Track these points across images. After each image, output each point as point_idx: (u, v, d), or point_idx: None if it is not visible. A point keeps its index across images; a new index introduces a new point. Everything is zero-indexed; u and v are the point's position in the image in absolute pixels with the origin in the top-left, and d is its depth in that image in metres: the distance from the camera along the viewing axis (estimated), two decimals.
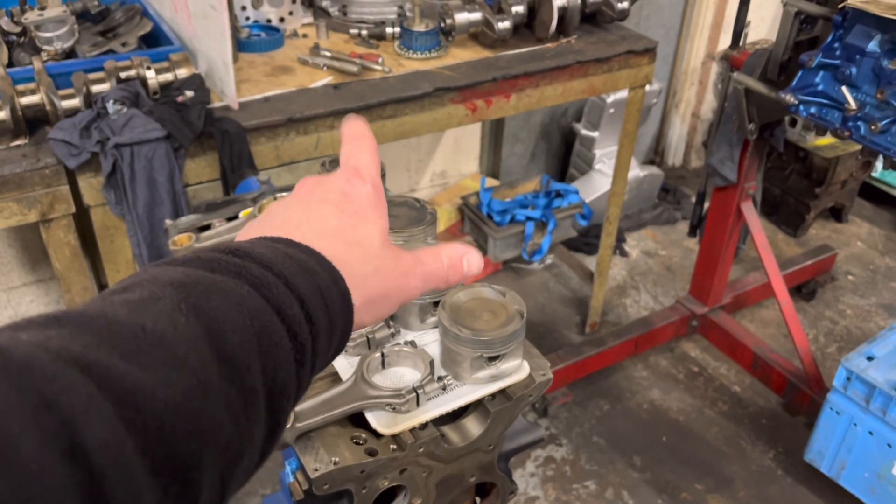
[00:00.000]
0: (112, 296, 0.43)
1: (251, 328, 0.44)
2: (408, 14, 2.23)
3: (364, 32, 2.19)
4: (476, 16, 2.16)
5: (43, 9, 1.80)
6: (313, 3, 2.34)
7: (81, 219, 1.77)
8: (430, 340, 1.00)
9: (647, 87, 2.51)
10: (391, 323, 1.03)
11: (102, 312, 0.40)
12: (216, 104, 1.77)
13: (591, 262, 3.30)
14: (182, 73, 1.72)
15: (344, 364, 0.96)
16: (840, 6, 1.85)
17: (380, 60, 2.03)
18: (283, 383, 0.46)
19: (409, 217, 1.17)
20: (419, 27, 2.11)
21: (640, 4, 3.56)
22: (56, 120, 1.59)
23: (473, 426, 1.00)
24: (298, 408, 0.88)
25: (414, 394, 0.90)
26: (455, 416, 0.99)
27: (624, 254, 3.52)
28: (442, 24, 2.15)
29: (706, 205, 2.69)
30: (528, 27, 2.26)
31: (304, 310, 0.48)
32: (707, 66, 3.89)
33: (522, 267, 3.39)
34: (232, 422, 0.42)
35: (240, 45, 2.05)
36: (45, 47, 1.77)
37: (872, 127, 1.85)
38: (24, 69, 1.68)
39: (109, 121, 1.57)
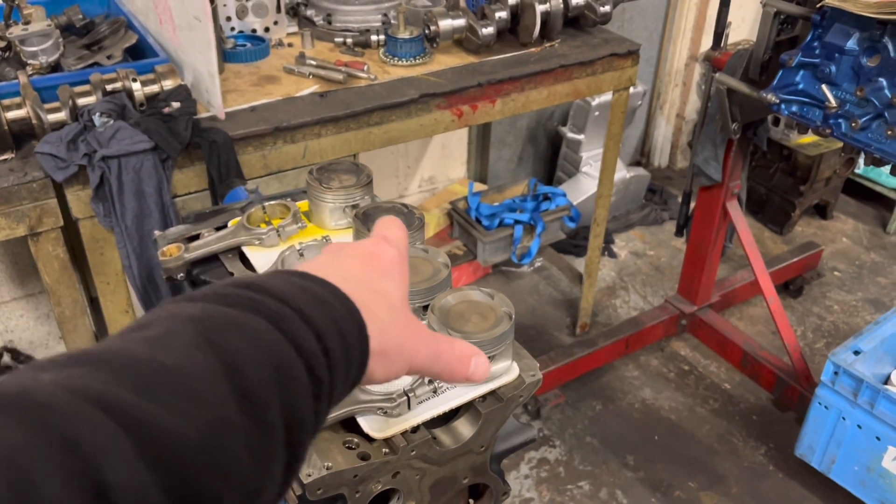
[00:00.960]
0: (131, 333, 0.44)
1: (269, 363, 0.45)
2: (392, 21, 2.25)
3: (349, 41, 2.20)
4: (460, 22, 2.18)
5: (27, 23, 1.80)
6: (298, 13, 2.35)
7: (70, 232, 1.77)
8: None
9: (631, 90, 2.53)
10: None
11: (122, 350, 0.41)
12: (203, 115, 1.78)
13: (580, 263, 3.32)
14: (168, 84, 1.73)
15: None
16: (818, 5, 1.87)
17: (365, 68, 2.05)
18: (302, 418, 0.46)
19: None
20: (404, 34, 2.12)
21: (623, 7, 3.59)
22: (42, 134, 1.60)
23: (465, 428, 1.01)
24: None
25: (405, 397, 0.91)
26: (446, 418, 1.00)
27: (612, 255, 3.54)
28: (426, 31, 2.17)
29: (692, 204, 2.71)
30: (511, 32, 2.28)
31: (321, 343, 0.49)
32: (690, 68, 3.93)
33: (512, 270, 3.40)
34: (251, 458, 0.42)
35: (225, 56, 2.06)
36: (30, 61, 1.77)
37: (853, 124, 1.87)
38: (9, 83, 1.68)
39: (96, 133, 1.57)
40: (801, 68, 1.94)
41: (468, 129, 3.41)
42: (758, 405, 2.78)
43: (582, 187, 3.48)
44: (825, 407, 2.23)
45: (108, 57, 1.85)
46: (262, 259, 1.20)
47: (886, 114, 1.81)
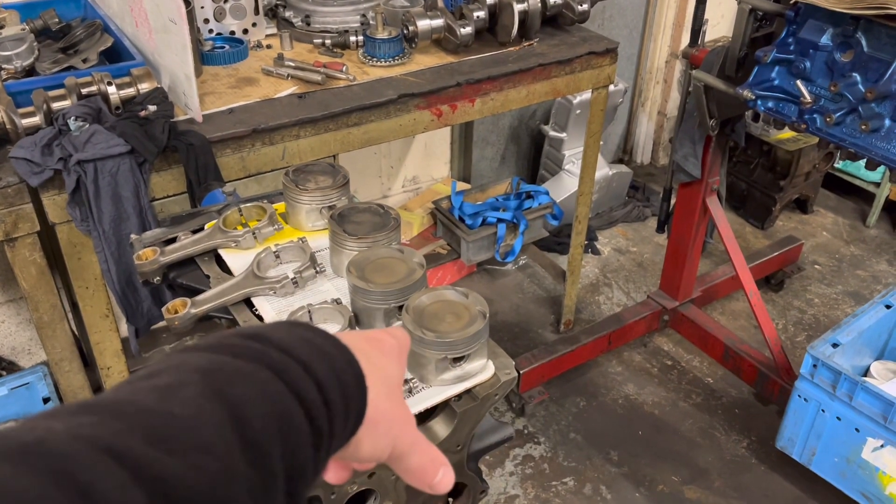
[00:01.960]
0: (140, 382, 0.45)
1: (272, 413, 0.46)
2: (371, 22, 2.25)
3: (328, 42, 2.20)
4: (438, 22, 2.18)
5: (1, 27, 1.79)
6: (276, 14, 2.34)
7: (48, 237, 1.76)
8: None
9: (613, 87, 2.54)
10: (357, 328, 1.04)
11: (133, 400, 0.42)
12: (180, 117, 1.77)
13: (563, 261, 3.33)
14: (144, 87, 1.72)
15: None
16: (792, 2, 1.89)
17: (344, 69, 2.05)
18: (302, 466, 0.48)
19: (372, 223, 1.18)
20: (382, 35, 2.13)
21: (603, 6, 3.61)
22: (17, 138, 1.59)
23: (441, 428, 1.01)
24: None
25: None
26: (422, 418, 1.01)
27: (596, 252, 3.56)
28: (405, 32, 2.17)
29: (673, 201, 2.73)
30: (490, 32, 2.28)
31: (322, 394, 0.50)
32: (671, 65, 3.95)
33: (496, 268, 3.41)
34: None
35: (203, 58, 2.06)
36: (4, 66, 1.76)
37: (827, 119, 1.89)
38: None
39: (71, 137, 1.56)
40: (776, 64, 1.96)
41: (451, 129, 3.41)
42: (739, 399, 2.81)
43: (565, 185, 3.49)
44: (805, 399, 2.25)
45: (84, 60, 1.84)
46: (238, 261, 1.20)
47: (860, 108, 1.83)
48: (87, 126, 1.58)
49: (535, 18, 2.26)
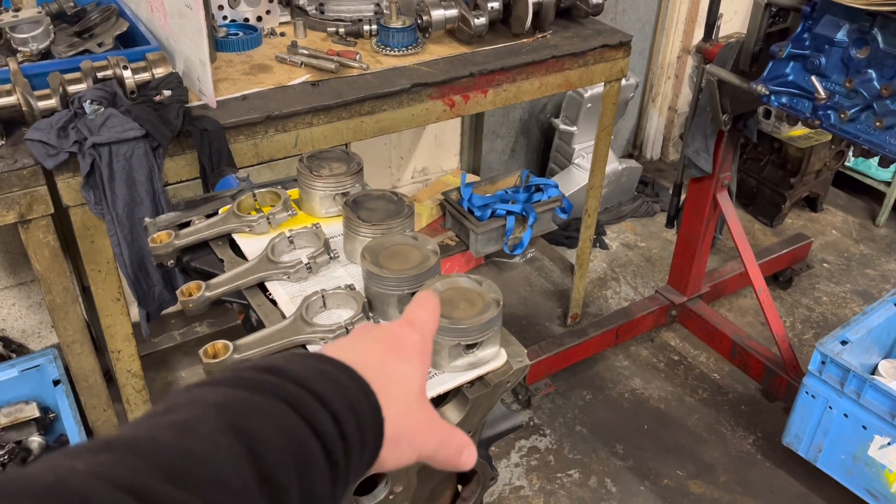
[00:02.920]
0: (158, 417, 0.46)
1: (289, 448, 0.47)
2: (385, 11, 2.25)
3: (341, 30, 2.20)
4: (452, 12, 2.18)
5: (18, 10, 1.80)
6: (291, 2, 2.34)
7: (61, 219, 1.77)
8: None
9: (624, 82, 2.54)
10: (371, 314, 1.04)
11: (150, 436, 0.43)
12: (194, 103, 1.78)
13: (571, 255, 3.33)
14: (159, 72, 1.73)
15: None
16: None
17: (357, 57, 2.05)
18: (319, 499, 0.48)
19: (386, 210, 1.19)
20: (396, 24, 2.12)
21: None
22: (33, 120, 1.59)
23: (452, 413, 1.01)
24: None
25: None
26: (434, 404, 1.01)
27: (604, 246, 3.56)
28: (419, 21, 2.17)
29: (683, 196, 2.72)
30: (503, 23, 2.28)
31: (338, 427, 0.50)
32: (683, 60, 3.94)
33: (504, 261, 3.41)
34: None
35: (217, 45, 2.06)
36: (20, 48, 1.77)
37: (842, 115, 1.89)
38: None
39: (87, 121, 1.57)
40: (790, 60, 1.95)
41: (461, 121, 3.41)
42: (746, 395, 2.80)
43: (574, 179, 3.48)
44: (812, 396, 2.25)
45: (100, 44, 1.85)
46: (252, 246, 1.21)
47: (875, 105, 1.82)
48: (103, 110, 1.58)
49: (549, 10, 2.25)
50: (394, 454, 0.57)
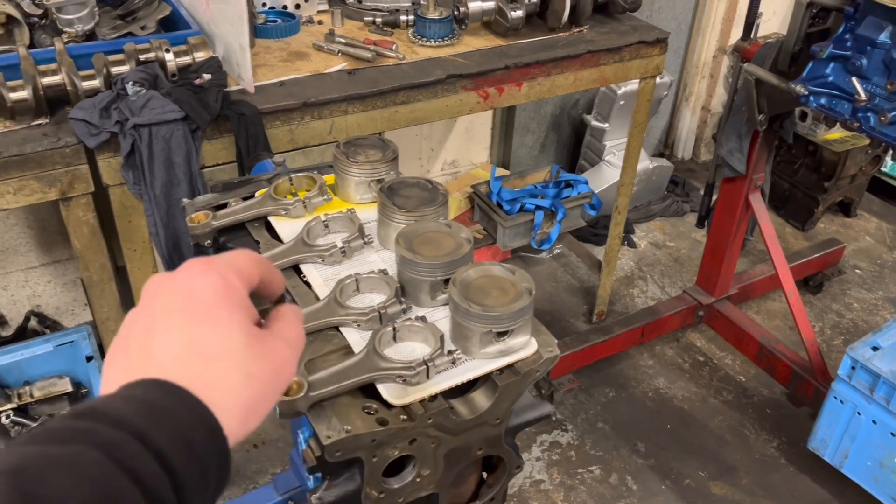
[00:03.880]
0: None
1: (96, 499, 0.43)
2: (422, 2, 2.25)
3: (378, 20, 2.21)
4: (489, 4, 2.18)
5: None
6: None
7: (99, 198, 1.80)
8: (440, 316, 1.03)
9: (658, 79, 2.52)
10: (402, 299, 1.06)
11: None
12: (233, 87, 1.80)
13: (599, 252, 3.32)
14: (200, 56, 1.75)
15: (356, 337, 0.99)
16: None
17: (394, 47, 2.06)
18: None
19: (420, 198, 1.20)
20: (433, 15, 2.13)
21: None
22: (76, 100, 1.63)
23: (481, 400, 1.02)
24: (312, 377, 0.91)
25: (424, 367, 0.93)
26: (464, 389, 1.02)
27: (632, 245, 3.54)
28: (455, 13, 2.17)
29: (714, 196, 2.70)
30: (540, 16, 2.28)
31: (163, 462, 0.47)
32: (718, 60, 3.90)
33: (531, 256, 3.41)
34: None
35: (256, 31, 2.08)
36: (66, 29, 1.80)
37: (882, 118, 1.86)
38: (45, 50, 1.71)
39: (128, 101, 1.60)
40: (831, 60, 1.93)
41: (492, 115, 3.41)
42: (772, 399, 2.78)
43: (604, 176, 3.47)
44: (840, 401, 2.23)
45: (142, 27, 1.88)
46: (288, 229, 1.23)
47: None
48: (144, 91, 1.61)
49: (587, 5, 2.25)
50: (250, 422, 0.54)
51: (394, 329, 0.99)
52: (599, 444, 2.57)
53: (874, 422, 2.16)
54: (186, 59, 1.74)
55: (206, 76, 1.70)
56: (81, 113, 1.58)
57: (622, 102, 3.35)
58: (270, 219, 1.26)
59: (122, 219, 1.77)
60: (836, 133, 3.46)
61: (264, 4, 2.20)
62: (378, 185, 1.22)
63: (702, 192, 2.73)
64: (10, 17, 1.84)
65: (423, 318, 1.00)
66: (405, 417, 0.92)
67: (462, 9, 2.16)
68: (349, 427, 0.89)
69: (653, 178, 3.66)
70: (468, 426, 0.99)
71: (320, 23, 2.23)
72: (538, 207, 3.07)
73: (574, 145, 3.79)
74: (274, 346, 0.58)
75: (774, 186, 3.68)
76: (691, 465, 2.52)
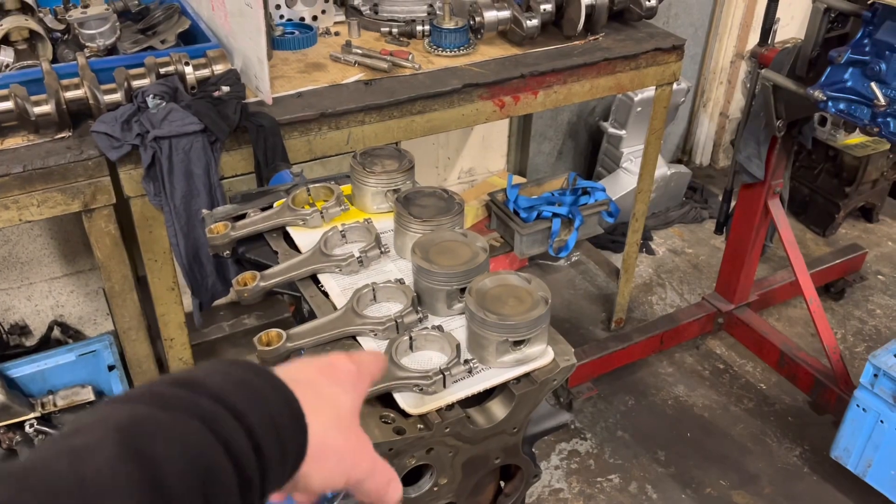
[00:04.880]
0: (61, 440, 0.45)
1: (194, 469, 0.45)
2: (438, 12, 2.27)
3: (395, 30, 2.23)
4: (505, 14, 2.19)
5: (86, 7, 1.87)
6: (345, 2, 2.38)
7: (121, 210, 1.83)
8: (456, 326, 1.04)
9: (675, 86, 2.52)
10: (419, 308, 1.06)
11: (45, 465, 0.42)
12: (251, 99, 1.83)
13: (617, 259, 3.30)
14: (219, 69, 1.78)
15: (373, 346, 1.00)
16: (870, 2, 1.85)
17: (410, 57, 2.07)
18: None
19: (437, 207, 1.20)
20: (449, 25, 2.15)
21: (669, 3, 3.56)
22: (98, 113, 1.66)
23: (498, 409, 1.03)
24: None
25: (441, 376, 0.93)
26: (481, 398, 1.02)
27: (651, 252, 3.52)
28: (471, 22, 2.19)
29: (733, 202, 2.69)
30: (556, 25, 2.28)
31: (252, 440, 0.50)
32: (736, 66, 3.88)
33: (548, 263, 3.41)
34: None
35: (274, 43, 2.11)
36: (88, 44, 1.84)
37: None
38: (68, 65, 1.74)
39: (149, 114, 1.62)
40: (850, 66, 1.92)
41: (509, 122, 3.42)
42: (794, 406, 2.75)
43: (622, 183, 3.46)
44: (863, 409, 2.20)
45: (162, 41, 1.91)
46: (306, 239, 1.24)
47: None
48: (165, 104, 1.63)
49: (602, 13, 2.25)
50: (321, 470, 0.56)
51: (410, 338, 0.99)
52: (619, 453, 2.56)
53: None
54: (205, 72, 1.76)
55: (225, 88, 1.72)
56: (103, 126, 1.61)
57: (639, 109, 3.34)
58: (289, 229, 1.27)
59: (143, 230, 1.80)
60: (857, 138, 3.42)
61: (282, 17, 2.23)
62: (394, 195, 1.23)
63: (720, 199, 2.72)
64: (33, 33, 1.88)
65: (439, 328, 1.01)
66: (422, 427, 0.93)
67: (478, 18, 2.17)
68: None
69: (671, 184, 3.64)
70: (485, 435, 0.99)
71: (337, 34, 2.25)
72: (555, 215, 3.06)
73: (591, 152, 3.79)
74: (367, 441, 0.62)
75: (794, 192, 3.65)
76: (712, 473, 2.50)
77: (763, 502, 2.41)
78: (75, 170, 1.63)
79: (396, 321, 1.01)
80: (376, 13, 2.32)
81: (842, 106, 1.96)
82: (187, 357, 2.05)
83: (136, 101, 1.65)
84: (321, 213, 1.27)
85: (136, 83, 1.70)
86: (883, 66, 1.84)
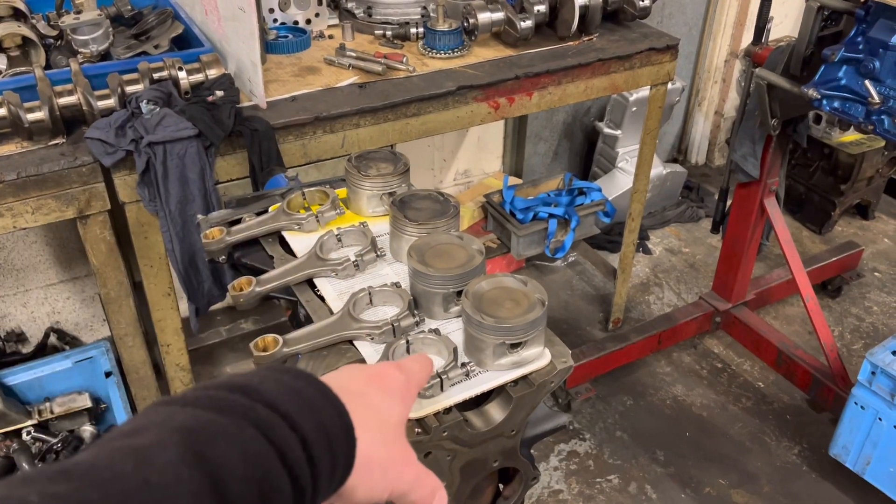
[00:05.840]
0: (123, 439, 0.45)
1: (254, 476, 0.46)
2: (431, 14, 2.27)
3: (388, 33, 2.23)
4: (498, 15, 2.19)
5: (79, 12, 1.86)
6: (339, 5, 2.38)
7: (116, 216, 1.82)
8: (453, 329, 1.03)
9: (670, 85, 2.52)
10: (416, 312, 1.06)
11: (110, 464, 0.42)
12: (245, 104, 1.82)
13: (614, 259, 3.31)
14: (212, 73, 1.77)
15: (370, 351, 1.00)
16: (863, 0, 1.85)
17: (404, 60, 2.07)
18: None
19: (432, 210, 1.20)
20: (442, 27, 2.14)
21: (663, 2, 3.57)
22: (92, 119, 1.65)
23: (496, 412, 1.02)
24: None
25: (438, 379, 0.93)
26: (478, 401, 1.02)
27: (647, 251, 3.53)
28: (465, 24, 2.19)
29: (729, 201, 2.69)
30: (549, 26, 2.28)
31: (307, 451, 0.50)
32: (730, 64, 3.88)
33: (545, 264, 3.41)
34: None
35: (268, 47, 2.10)
36: (81, 50, 1.83)
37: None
38: (61, 71, 1.74)
39: (143, 120, 1.62)
40: (843, 64, 1.92)
41: (504, 124, 3.42)
42: (792, 405, 2.75)
43: (617, 183, 3.46)
44: (861, 407, 2.20)
45: (156, 46, 1.90)
46: (301, 243, 1.23)
47: None
48: (158, 109, 1.63)
49: (596, 13, 2.25)
50: (366, 482, 0.56)
51: (407, 342, 0.99)
52: (618, 453, 2.55)
53: None
54: (199, 77, 1.76)
55: (219, 93, 1.72)
56: (97, 132, 1.60)
57: (634, 109, 3.34)
58: (284, 233, 1.27)
59: (139, 235, 1.79)
60: (852, 135, 3.43)
61: (275, 20, 2.22)
62: (390, 199, 1.23)
63: (716, 198, 2.72)
64: (26, 39, 1.87)
65: (436, 331, 1.00)
66: (420, 430, 0.92)
67: (471, 20, 2.17)
68: None
69: (667, 183, 3.65)
70: (483, 438, 0.99)
71: (331, 37, 2.25)
72: (552, 216, 3.07)
73: (587, 153, 3.79)
74: (413, 453, 0.62)
75: (790, 190, 3.65)
76: (711, 472, 2.50)
77: (762, 501, 2.41)
78: (69, 176, 1.63)
79: (393, 325, 1.01)
80: (370, 16, 2.32)
81: (836, 104, 1.96)
82: (184, 363, 2.05)
83: (130, 106, 1.65)
84: (316, 217, 1.26)
85: (129, 89, 1.69)
86: (877, 63, 1.85)
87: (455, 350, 0.97)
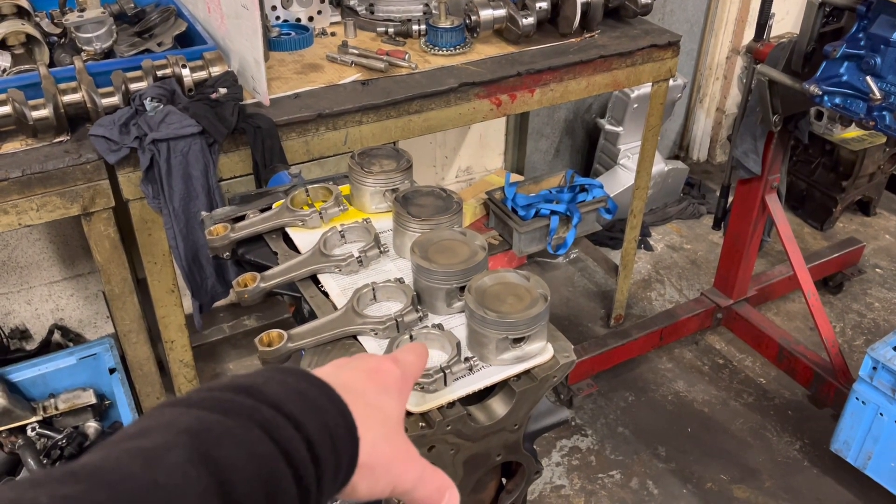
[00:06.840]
0: (129, 441, 0.45)
1: (259, 476, 0.46)
2: (433, 11, 2.27)
3: (391, 30, 2.23)
4: (500, 12, 2.19)
5: (83, 10, 1.87)
6: (341, 2, 2.38)
7: (120, 213, 1.83)
8: (456, 324, 1.04)
9: (671, 82, 2.52)
10: (419, 307, 1.07)
11: (117, 465, 0.42)
12: (248, 101, 1.83)
13: (615, 255, 3.31)
14: (216, 70, 1.78)
15: (374, 346, 1.00)
16: None
17: (406, 57, 2.08)
18: None
19: (435, 206, 1.21)
20: (444, 24, 2.15)
21: None
22: (96, 117, 1.66)
23: (499, 406, 1.03)
24: None
25: (441, 374, 0.94)
26: (481, 396, 1.03)
27: (649, 248, 3.53)
28: (467, 21, 2.19)
29: (731, 198, 2.69)
30: (551, 23, 2.29)
31: (311, 451, 0.50)
32: (732, 61, 3.88)
33: (547, 261, 3.41)
34: None
35: (270, 44, 2.11)
36: (84, 47, 1.84)
37: None
38: (65, 69, 1.75)
39: (147, 117, 1.63)
40: (845, 60, 1.92)
41: (506, 120, 3.42)
42: (793, 400, 2.76)
43: (619, 180, 3.47)
44: (862, 402, 2.21)
45: (159, 44, 1.91)
46: (305, 239, 1.24)
47: None
48: (162, 107, 1.64)
49: (598, 10, 2.25)
50: (368, 480, 0.56)
51: (411, 337, 1.00)
52: (620, 449, 2.56)
53: None
54: (203, 74, 1.76)
55: (223, 90, 1.73)
56: (101, 129, 1.61)
57: (636, 105, 3.34)
58: (288, 230, 1.27)
59: (143, 232, 1.80)
60: (853, 132, 3.43)
61: (278, 18, 2.23)
62: (393, 195, 1.23)
63: (718, 194, 2.72)
64: (30, 37, 1.88)
65: (439, 326, 1.01)
66: (423, 424, 0.93)
67: (473, 17, 2.18)
68: None
69: (668, 180, 3.65)
70: (486, 432, 1.00)
71: (333, 34, 2.26)
72: (553, 212, 3.07)
73: (588, 149, 3.79)
74: (414, 449, 0.62)
75: (792, 186, 3.66)
76: (713, 468, 2.51)
77: (763, 496, 2.42)
78: (74, 173, 1.64)
79: (397, 320, 1.02)
80: (372, 13, 2.32)
81: (837, 100, 1.96)
82: (188, 359, 2.06)
83: (134, 104, 1.66)
84: (320, 213, 1.27)
85: (133, 86, 1.70)
86: (878, 59, 1.85)
87: (458, 345, 0.97)
